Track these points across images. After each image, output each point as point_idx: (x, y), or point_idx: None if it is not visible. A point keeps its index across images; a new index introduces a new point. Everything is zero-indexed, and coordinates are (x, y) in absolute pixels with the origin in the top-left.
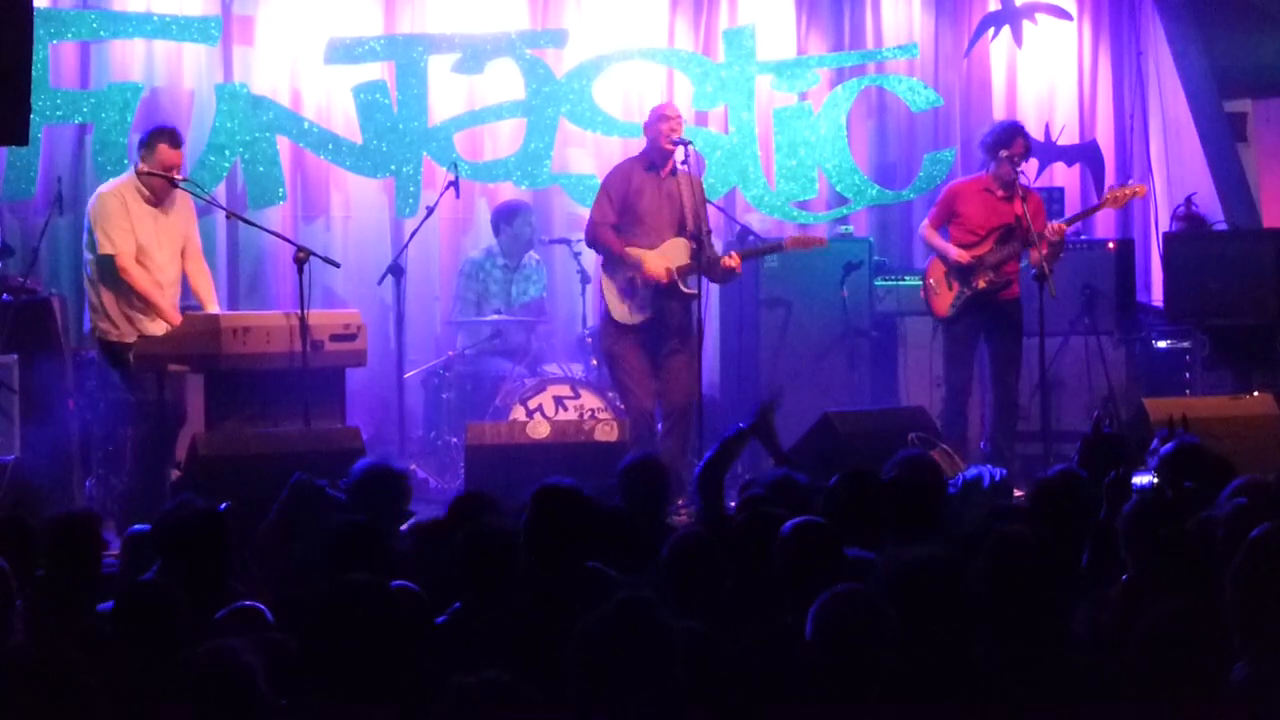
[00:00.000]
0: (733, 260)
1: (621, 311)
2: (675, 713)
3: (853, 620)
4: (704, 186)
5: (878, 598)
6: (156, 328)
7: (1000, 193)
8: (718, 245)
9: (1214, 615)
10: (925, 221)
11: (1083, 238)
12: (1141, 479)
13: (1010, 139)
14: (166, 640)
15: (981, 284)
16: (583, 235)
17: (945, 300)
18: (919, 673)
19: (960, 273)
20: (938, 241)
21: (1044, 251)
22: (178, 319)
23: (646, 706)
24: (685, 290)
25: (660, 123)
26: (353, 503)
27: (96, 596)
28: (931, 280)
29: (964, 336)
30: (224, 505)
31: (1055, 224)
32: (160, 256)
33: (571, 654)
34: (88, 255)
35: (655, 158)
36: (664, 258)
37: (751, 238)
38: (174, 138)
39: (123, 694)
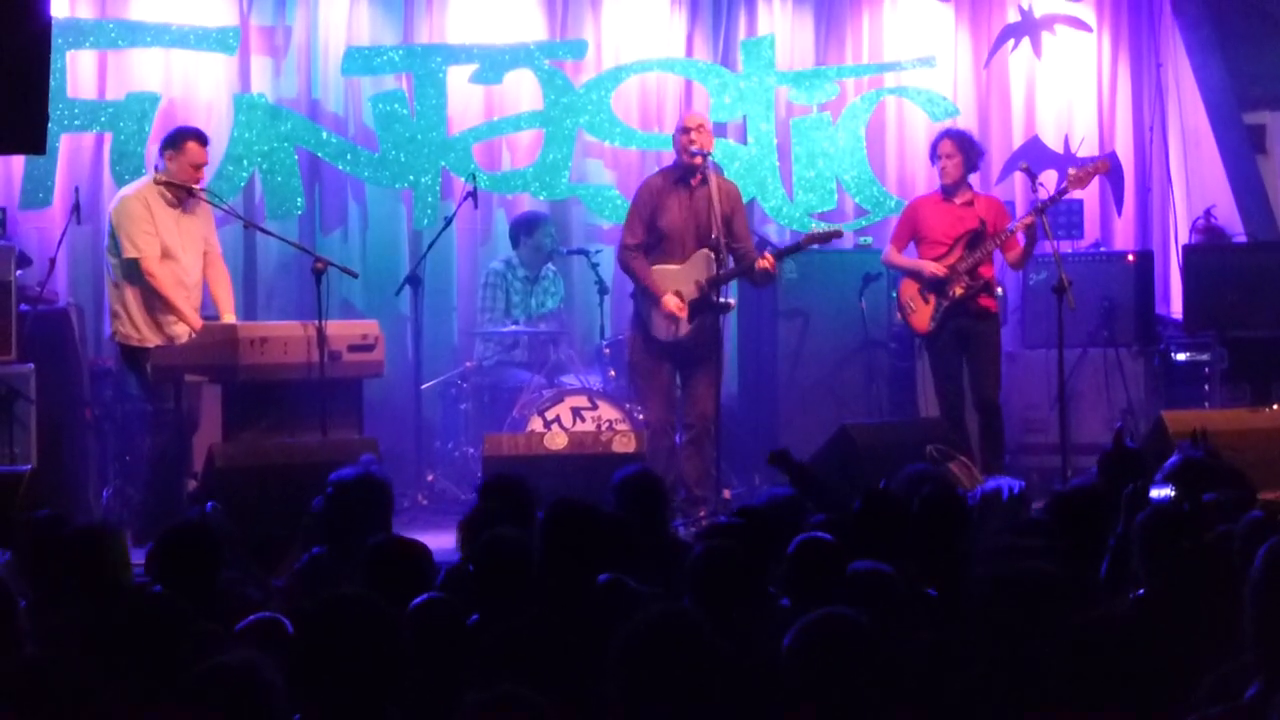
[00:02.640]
0: (766, 261)
1: (661, 328)
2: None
3: (830, 646)
4: (738, 194)
5: (855, 617)
6: (180, 330)
7: (958, 200)
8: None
9: (1229, 629)
10: (888, 247)
11: (1102, 250)
12: (1160, 492)
13: (938, 143)
14: (170, 651)
15: (958, 291)
16: (601, 246)
17: (925, 315)
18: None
19: (935, 285)
20: (905, 261)
21: (1019, 247)
22: (199, 323)
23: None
24: (718, 302)
25: (681, 135)
26: (334, 512)
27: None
28: (906, 300)
29: (948, 349)
30: (209, 505)
31: (1026, 218)
32: (185, 259)
33: (613, 663)
34: (110, 260)
35: (683, 170)
36: (689, 273)
37: (770, 246)
38: (202, 137)
39: (132, 705)
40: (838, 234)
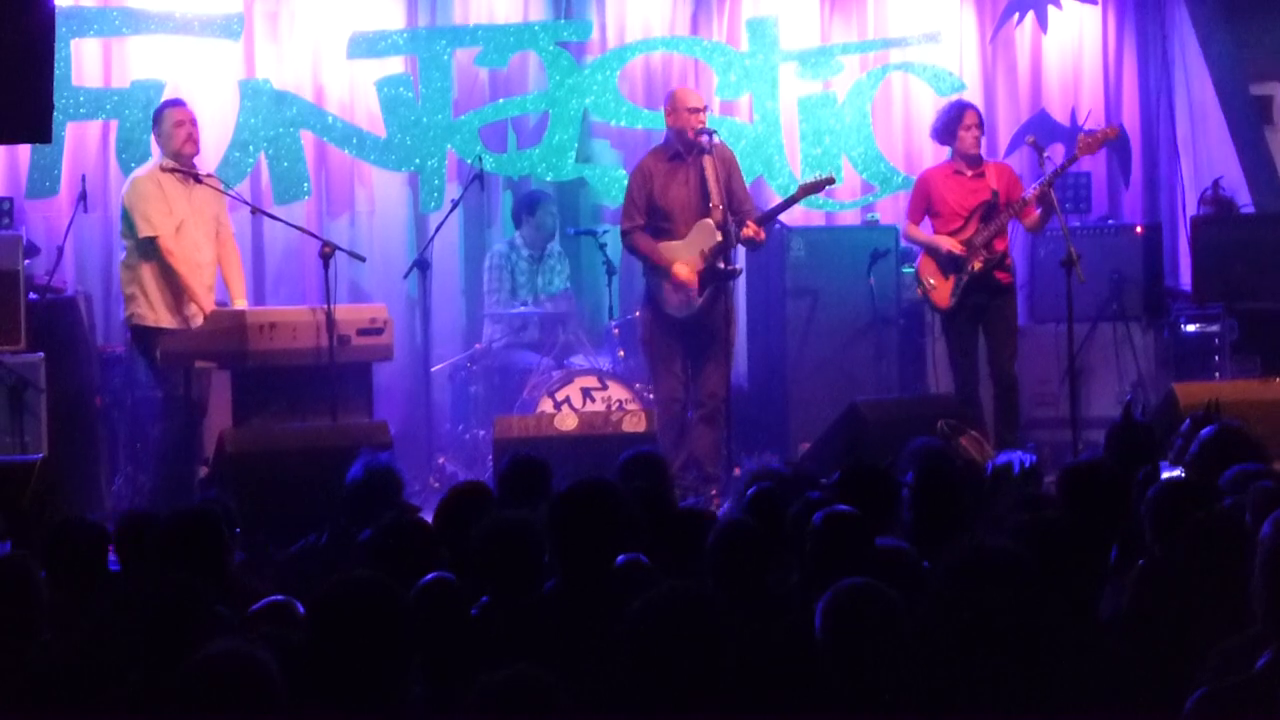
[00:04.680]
0: (750, 230)
1: (674, 304)
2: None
3: (863, 615)
4: (733, 156)
5: (886, 589)
6: (194, 311)
7: (969, 172)
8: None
9: (1239, 600)
10: (905, 222)
11: (1110, 223)
12: (1171, 474)
13: (962, 114)
14: (182, 636)
15: (977, 266)
16: (608, 227)
17: (945, 291)
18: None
19: (953, 261)
20: (923, 236)
21: (1035, 214)
22: (210, 304)
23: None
24: (725, 268)
25: (690, 115)
26: (353, 501)
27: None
28: (926, 276)
29: (967, 324)
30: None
31: (1037, 188)
32: (196, 235)
33: (623, 641)
34: (125, 241)
35: (680, 147)
36: (692, 245)
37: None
38: (174, 100)
39: (141, 692)
40: (830, 180)
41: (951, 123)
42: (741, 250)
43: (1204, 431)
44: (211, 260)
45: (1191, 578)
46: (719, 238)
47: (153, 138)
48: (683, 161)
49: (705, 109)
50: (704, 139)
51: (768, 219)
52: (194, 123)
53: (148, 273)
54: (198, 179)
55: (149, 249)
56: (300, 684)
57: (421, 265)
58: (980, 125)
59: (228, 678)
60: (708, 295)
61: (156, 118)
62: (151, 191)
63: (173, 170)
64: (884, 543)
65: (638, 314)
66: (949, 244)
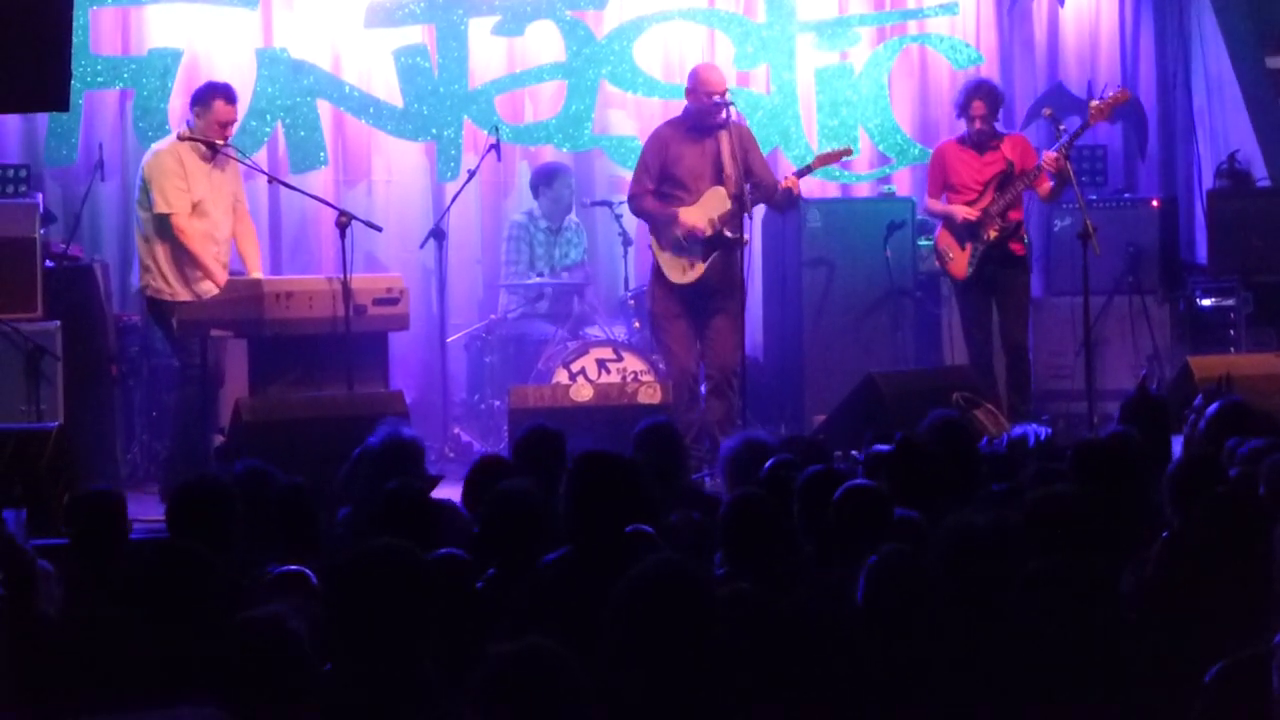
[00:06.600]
0: (789, 182)
1: (675, 271)
2: (714, 674)
3: (903, 582)
4: (751, 133)
5: (925, 561)
6: (208, 287)
7: (983, 146)
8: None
9: (1257, 575)
10: (925, 198)
11: (1126, 196)
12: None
13: (969, 101)
14: (197, 604)
15: (992, 234)
16: (624, 198)
17: (962, 261)
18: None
19: (969, 230)
20: (940, 208)
21: (1049, 184)
22: (224, 280)
23: (683, 667)
24: (731, 236)
25: (707, 100)
26: (363, 478)
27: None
28: (943, 247)
29: (981, 295)
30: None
31: (1050, 154)
32: (215, 213)
33: (607, 615)
34: (141, 213)
35: (697, 120)
36: (703, 209)
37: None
38: (229, 94)
39: (158, 660)
40: (847, 151)
41: (962, 105)
42: (752, 222)
43: (1209, 409)
44: (228, 237)
45: (1212, 551)
46: (729, 205)
47: (183, 104)
48: (698, 133)
49: (723, 85)
50: (721, 112)
51: (803, 174)
52: (234, 123)
53: (161, 248)
54: (215, 148)
55: (163, 225)
56: (322, 654)
57: (437, 235)
58: (986, 116)
59: (260, 646)
60: (713, 263)
61: (204, 99)
62: (172, 167)
63: (190, 139)
64: (898, 513)
65: (635, 288)
66: (964, 211)
